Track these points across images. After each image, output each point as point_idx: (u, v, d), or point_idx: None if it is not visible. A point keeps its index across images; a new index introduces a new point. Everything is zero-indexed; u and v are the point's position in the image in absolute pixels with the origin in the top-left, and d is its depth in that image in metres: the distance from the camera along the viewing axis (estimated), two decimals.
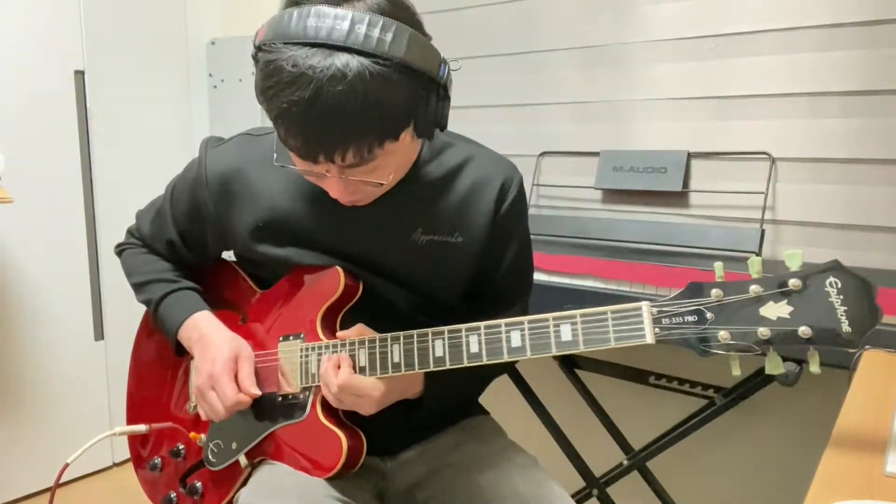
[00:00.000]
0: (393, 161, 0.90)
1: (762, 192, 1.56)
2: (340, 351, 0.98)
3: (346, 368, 0.96)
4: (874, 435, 0.84)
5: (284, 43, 0.81)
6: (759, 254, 1.52)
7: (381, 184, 0.90)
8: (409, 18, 0.85)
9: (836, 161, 1.51)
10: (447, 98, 0.89)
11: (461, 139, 1.08)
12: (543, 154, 1.89)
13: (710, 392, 1.63)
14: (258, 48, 0.85)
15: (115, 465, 2.47)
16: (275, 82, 0.81)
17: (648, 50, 1.73)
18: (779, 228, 1.58)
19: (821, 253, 1.53)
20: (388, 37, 0.80)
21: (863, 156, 1.49)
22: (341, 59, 0.79)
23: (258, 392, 1.02)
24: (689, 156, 1.67)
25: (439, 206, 1.02)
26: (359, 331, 0.99)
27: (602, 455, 1.75)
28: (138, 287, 1.16)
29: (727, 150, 1.64)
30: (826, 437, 0.84)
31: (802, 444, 1.70)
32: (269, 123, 0.89)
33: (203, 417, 1.07)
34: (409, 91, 0.84)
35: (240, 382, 1.02)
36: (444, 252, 1.03)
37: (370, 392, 0.95)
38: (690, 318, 0.80)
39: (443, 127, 0.91)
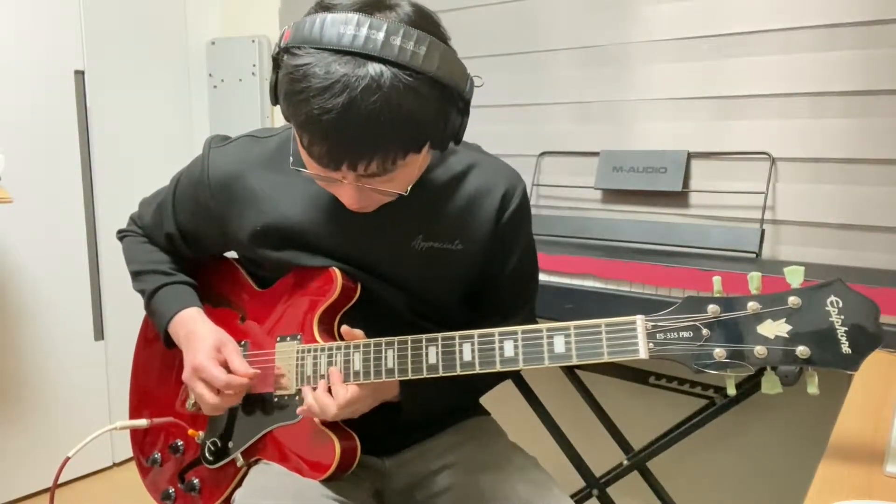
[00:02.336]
0: (410, 172, 0.90)
1: (762, 192, 1.56)
2: (335, 354, 0.98)
3: (341, 388, 0.94)
4: (874, 435, 0.84)
5: (315, 48, 0.80)
6: (758, 254, 1.53)
7: (398, 194, 0.90)
8: (439, 33, 0.85)
9: (836, 161, 1.51)
10: (467, 113, 0.90)
11: (465, 145, 1.08)
12: (543, 154, 1.89)
13: (710, 392, 1.62)
14: (284, 50, 0.84)
15: (115, 465, 2.47)
16: (304, 87, 0.79)
17: (648, 50, 1.72)
18: (779, 228, 1.58)
19: (820, 253, 1.53)
20: (422, 50, 0.80)
21: (863, 156, 1.48)
22: (374, 69, 0.78)
23: (254, 370, 1.02)
24: (689, 156, 1.67)
25: (441, 213, 1.02)
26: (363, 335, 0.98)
27: (602, 455, 1.75)
28: (135, 275, 1.17)
29: (727, 150, 1.64)
30: (826, 437, 0.84)
31: (802, 445, 1.70)
32: (276, 124, 0.88)
33: (205, 412, 1.07)
34: (437, 106, 0.84)
35: (233, 371, 1.02)
36: (444, 259, 1.03)
37: (363, 399, 0.96)
38: (686, 334, 0.78)
39: (458, 140, 0.91)
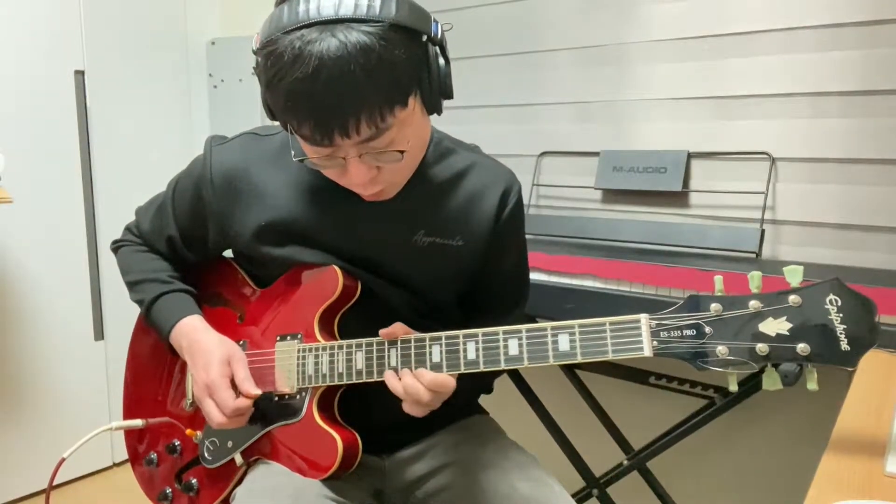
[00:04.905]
0: (407, 132, 0.90)
1: (762, 192, 1.56)
2: (337, 353, 0.98)
3: (430, 373, 0.92)
4: (874, 435, 0.84)
5: (281, 33, 0.83)
6: (758, 254, 1.53)
7: (402, 152, 0.89)
8: None
9: (835, 161, 1.51)
10: (447, 62, 0.91)
11: (464, 146, 1.09)
12: (543, 154, 1.89)
13: (710, 392, 1.63)
14: (257, 52, 0.86)
15: (115, 465, 2.47)
16: (278, 69, 0.83)
17: (648, 50, 1.73)
18: (779, 228, 1.58)
19: (820, 253, 1.53)
20: (377, 1, 0.83)
21: (862, 156, 1.49)
22: (337, 31, 0.81)
23: (258, 392, 1.01)
24: (689, 156, 1.67)
25: (443, 209, 1.03)
26: (403, 329, 0.95)
27: (602, 455, 1.75)
28: (132, 286, 1.15)
29: (727, 150, 1.64)
30: (826, 437, 0.84)
31: (802, 444, 1.70)
32: (272, 124, 0.88)
33: (213, 427, 1.06)
34: (407, 50, 0.85)
35: (238, 385, 1.02)
36: (445, 255, 1.03)
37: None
38: (689, 332, 0.79)
39: (448, 95, 0.92)
